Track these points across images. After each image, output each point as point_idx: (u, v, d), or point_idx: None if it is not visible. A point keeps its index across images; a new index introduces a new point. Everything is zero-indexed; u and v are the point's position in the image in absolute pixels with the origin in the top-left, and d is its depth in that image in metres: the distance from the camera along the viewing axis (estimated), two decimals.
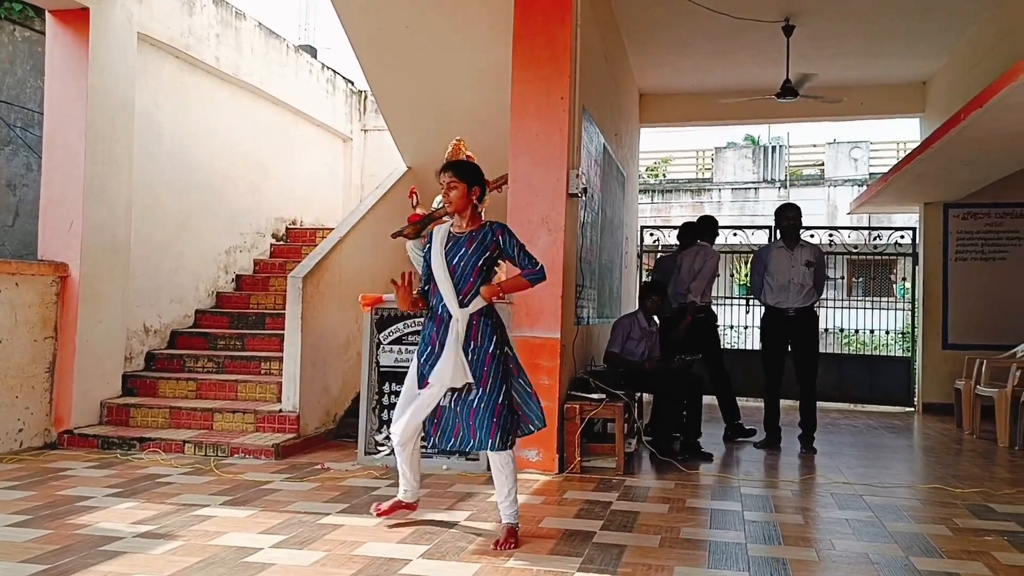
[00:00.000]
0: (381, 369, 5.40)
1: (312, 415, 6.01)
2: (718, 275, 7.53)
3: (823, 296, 7.03)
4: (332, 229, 7.44)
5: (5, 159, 7.30)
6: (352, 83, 10.25)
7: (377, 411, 5.37)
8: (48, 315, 5.77)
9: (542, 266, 3.87)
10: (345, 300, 6.36)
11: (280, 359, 6.20)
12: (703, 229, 7.09)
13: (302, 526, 3.82)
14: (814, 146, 21.74)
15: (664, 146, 24.64)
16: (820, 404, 7.91)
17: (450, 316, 3.64)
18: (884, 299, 12.19)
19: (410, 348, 5.35)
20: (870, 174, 18.93)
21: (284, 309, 6.11)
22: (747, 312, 10.43)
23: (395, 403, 5.24)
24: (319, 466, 5.25)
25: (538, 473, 5.12)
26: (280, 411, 5.87)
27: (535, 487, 4.79)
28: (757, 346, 6.99)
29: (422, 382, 3.69)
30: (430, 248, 3.76)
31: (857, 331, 10.84)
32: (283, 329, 6.08)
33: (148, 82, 6.80)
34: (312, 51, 10.37)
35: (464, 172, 3.75)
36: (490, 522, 3.96)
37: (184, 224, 7.30)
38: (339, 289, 6.38)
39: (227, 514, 4.02)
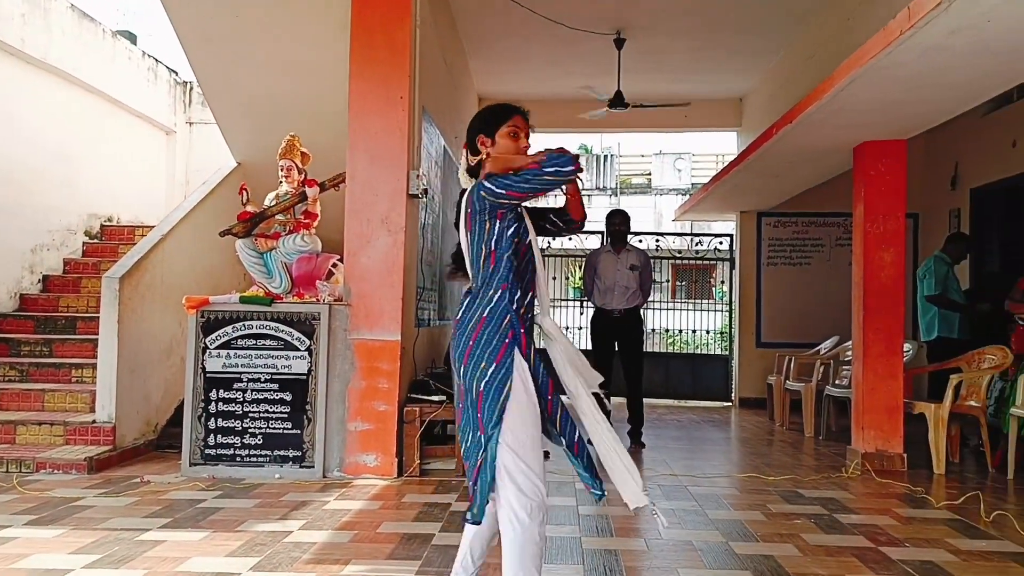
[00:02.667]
0: (208, 375, 5.12)
1: (130, 425, 5.60)
2: None
3: (650, 298, 7.37)
4: (153, 227, 6.99)
5: None
6: (176, 73, 9.69)
7: (203, 419, 5.09)
8: None
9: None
10: (168, 302, 5.99)
11: (93, 366, 5.74)
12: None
13: (119, 543, 3.55)
14: (642, 156, 22.81)
15: None
16: (648, 400, 8.30)
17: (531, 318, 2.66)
18: (705, 301, 12.98)
19: (240, 352, 5.11)
20: (692, 184, 20.09)
21: (98, 312, 5.66)
22: (581, 313, 10.77)
23: (223, 411, 5.05)
24: (138, 479, 4.90)
25: (376, 478, 5.04)
26: (94, 422, 5.43)
27: (373, 492, 4.71)
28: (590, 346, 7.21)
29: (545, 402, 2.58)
30: (493, 215, 2.54)
31: (680, 331, 11.45)
32: (97, 334, 5.63)
33: None
34: (132, 37, 9.70)
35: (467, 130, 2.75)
36: (324, 530, 3.85)
37: None
38: (161, 290, 6.00)
39: (32, 535, 3.67)
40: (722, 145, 25.39)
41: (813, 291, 9.62)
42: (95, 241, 8.07)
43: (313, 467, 5.02)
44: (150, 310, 5.85)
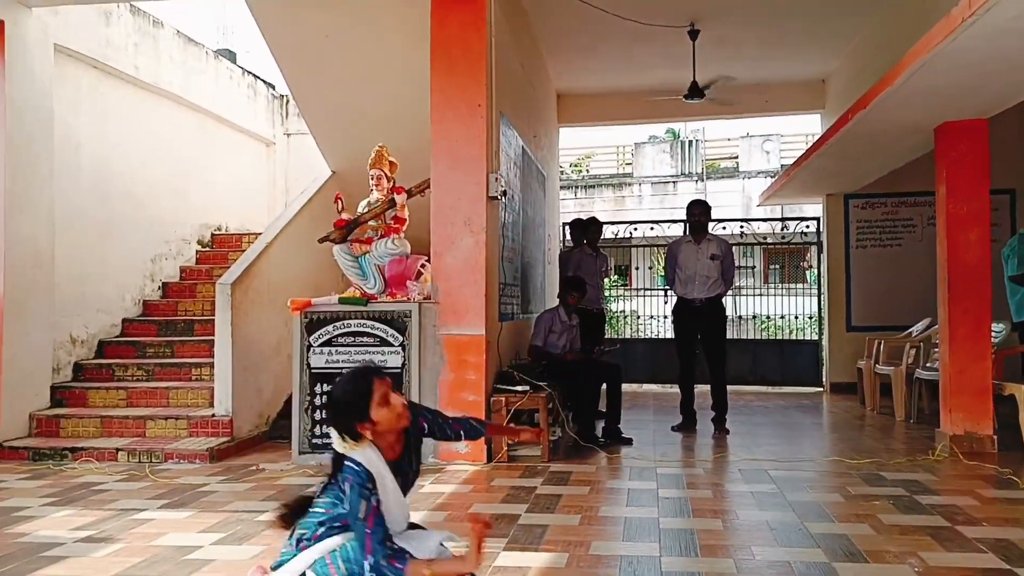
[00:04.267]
0: (312, 371, 5.56)
1: (245, 418, 6.12)
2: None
3: (735, 286, 7.46)
4: (258, 234, 7.53)
5: None
6: (273, 87, 10.28)
7: (309, 411, 5.53)
8: None
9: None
10: (274, 304, 6.49)
11: (210, 364, 6.30)
12: (593, 229, 7.77)
13: (240, 524, 3.98)
14: (729, 139, 22.52)
15: (586, 142, 25.16)
16: (735, 388, 8.38)
17: None
18: (797, 286, 12.84)
19: (340, 349, 5.53)
20: (781, 165, 19.75)
21: (212, 315, 6.20)
22: (666, 303, 10.88)
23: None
24: (254, 467, 5.39)
25: (467, 464, 5.37)
26: (213, 415, 5.97)
27: (464, 477, 5.04)
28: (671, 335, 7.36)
29: None
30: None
31: (769, 317, 11.39)
32: (212, 335, 6.18)
33: (67, 93, 6.77)
34: (231, 55, 10.37)
35: None
36: (421, 511, 4.19)
37: (108, 233, 7.28)
38: (267, 294, 6.50)
39: (165, 516, 4.15)
40: (812, 124, 24.71)
41: (904, 273, 9.45)
42: (207, 249, 8.72)
43: None
44: (259, 312, 6.36)
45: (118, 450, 5.62)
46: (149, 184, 7.87)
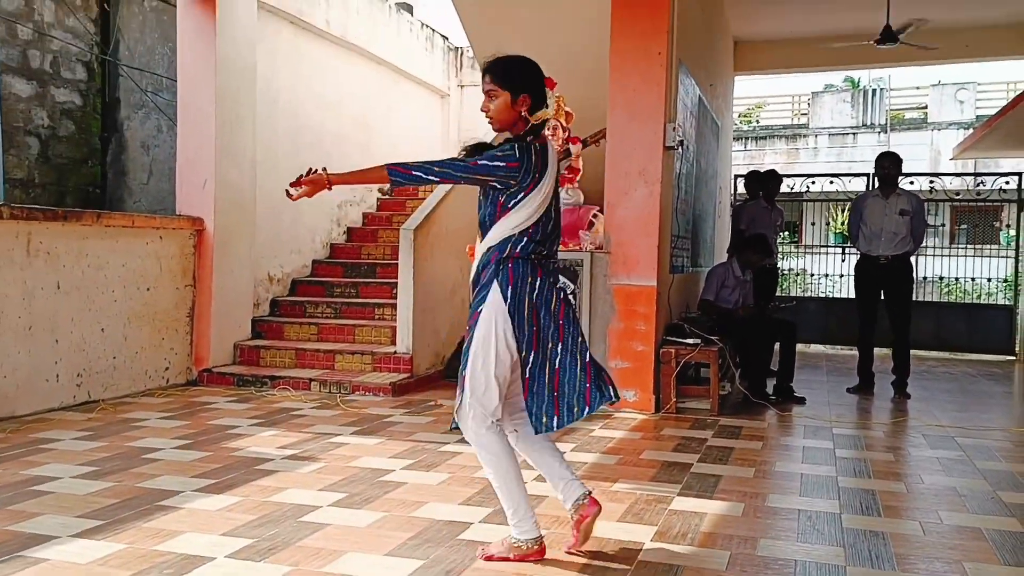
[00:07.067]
0: None
1: (424, 356, 6.48)
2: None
3: (923, 245, 7.03)
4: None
5: (139, 122, 7.94)
6: (448, 39, 10.55)
7: None
8: (187, 265, 6.37)
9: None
10: (450, 250, 6.76)
11: (392, 305, 6.68)
12: (772, 183, 7.51)
13: (426, 453, 4.27)
14: (917, 88, 20.93)
15: (758, 91, 24.12)
16: (917, 352, 7.94)
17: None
18: (989, 247, 11.90)
19: None
20: (976, 117, 18.15)
21: (393, 259, 6.55)
22: (843, 260, 10.39)
23: None
24: (432, 403, 5.71)
25: (636, 412, 5.45)
26: (395, 353, 6.36)
27: (633, 424, 5.13)
28: (852, 294, 7.07)
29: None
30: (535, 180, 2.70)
31: (957, 279, 10.65)
32: (393, 278, 6.53)
33: (267, 47, 7.27)
34: (409, 8, 10.69)
35: (505, 74, 2.73)
36: (593, 453, 4.32)
37: None
38: (445, 240, 6.78)
39: (358, 442, 4.51)
40: (1015, 71, 22.53)
41: None
42: (386, 197, 9.17)
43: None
44: (438, 257, 6.66)
45: (311, 380, 6.11)
46: (336, 134, 8.34)
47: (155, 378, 6.10)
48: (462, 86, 10.60)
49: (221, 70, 6.42)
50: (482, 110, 2.80)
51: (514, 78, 2.73)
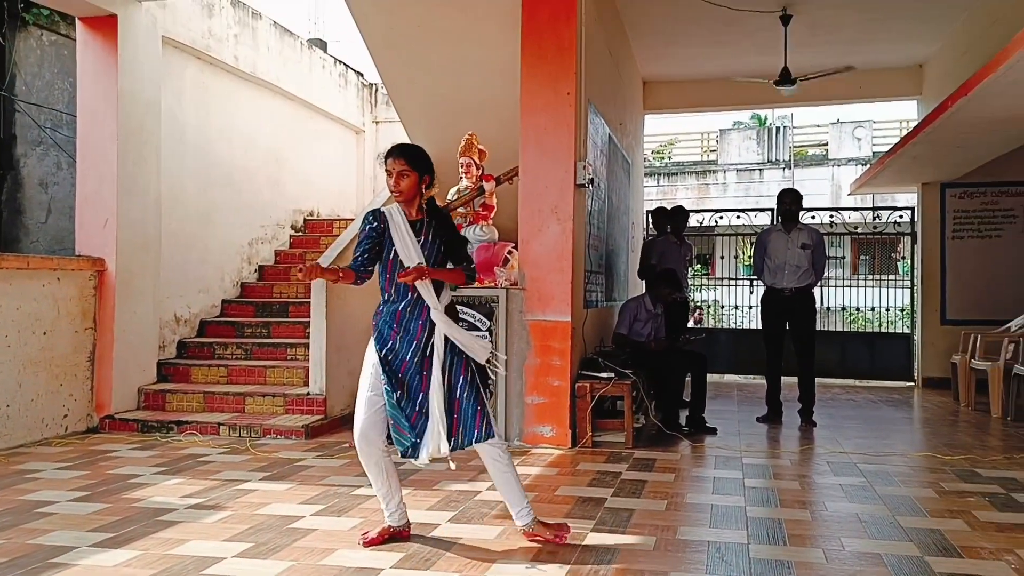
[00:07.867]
0: None
1: (338, 397, 6.36)
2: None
3: (824, 276, 7.31)
4: (349, 220, 7.77)
5: (37, 159, 7.64)
6: (362, 75, 10.53)
7: None
8: (87, 307, 6.12)
9: (475, 265, 3.65)
10: (366, 288, 6.65)
11: (305, 345, 6.55)
12: (679, 218, 7.71)
13: (338, 497, 4.17)
14: (818, 126, 21.91)
15: (670, 128, 24.86)
16: (823, 380, 8.23)
17: (422, 308, 3.45)
18: (888, 277, 12.47)
19: None
20: (873, 153, 19.12)
21: (306, 298, 6.43)
22: (751, 292, 10.73)
23: None
24: (347, 444, 5.59)
25: (552, 448, 5.46)
26: (308, 394, 6.22)
27: (550, 460, 5.13)
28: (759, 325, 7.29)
29: (393, 380, 3.46)
30: (377, 227, 3.39)
31: (858, 309, 11.11)
32: (307, 317, 6.42)
33: (172, 83, 7.12)
34: (322, 44, 10.65)
35: (416, 160, 3.37)
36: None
37: (208, 218, 7.63)
38: None
39: (268, 487, 4.37)
40: (906, 111, 23.84)
41: (1004, 265, 9.10)
42: (300, 234, 9.04)
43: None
44: (352, 295, 6.56)
45: (220, 424, 5.92)
46: (246, 171, 8.20)
47: (52, 426, 5.81)
48: (377, 122, 10.58)
49: (123, 105, 6.25)
50: (394, 190, 3.37)
51: (423, 163, 3.39)
